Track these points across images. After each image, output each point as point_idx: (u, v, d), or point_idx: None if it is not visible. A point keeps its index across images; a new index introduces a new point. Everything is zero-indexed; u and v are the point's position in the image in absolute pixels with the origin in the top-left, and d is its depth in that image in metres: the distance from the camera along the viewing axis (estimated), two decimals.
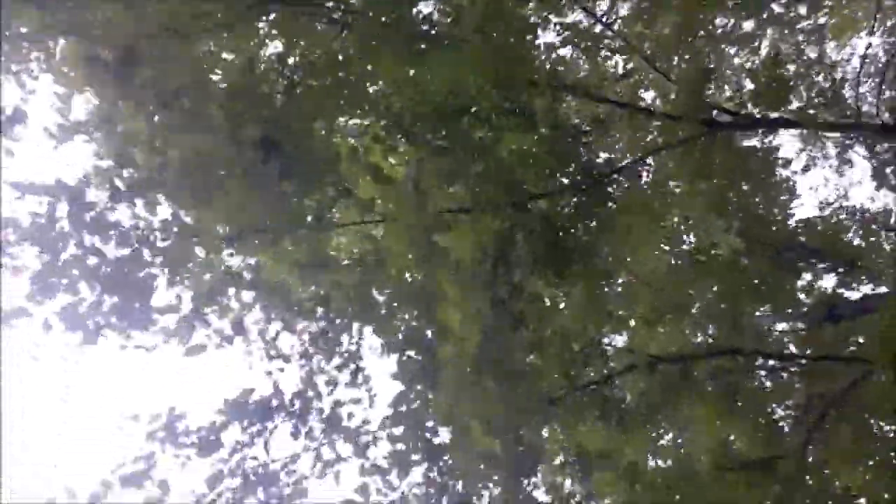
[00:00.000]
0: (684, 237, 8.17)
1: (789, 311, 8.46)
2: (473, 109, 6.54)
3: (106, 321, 4.95)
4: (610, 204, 7.44)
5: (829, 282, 9.13)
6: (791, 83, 8.41)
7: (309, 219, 6.01)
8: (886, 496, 6.63)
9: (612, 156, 7.86)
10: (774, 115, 7.65)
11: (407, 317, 5.95)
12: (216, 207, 5.30)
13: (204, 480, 6.22)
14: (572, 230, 7.28)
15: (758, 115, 7.71)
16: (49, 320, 4.90)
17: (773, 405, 7.86)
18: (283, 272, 6.15)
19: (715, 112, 7.67)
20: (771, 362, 8.10)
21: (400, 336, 6.04)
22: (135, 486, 6.05)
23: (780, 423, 7.73)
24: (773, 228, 8.54)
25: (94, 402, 6.62)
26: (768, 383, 8.06)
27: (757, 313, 8.08)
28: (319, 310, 6.23)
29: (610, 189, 7.54)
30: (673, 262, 8.04)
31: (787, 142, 11.01)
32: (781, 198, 8.81)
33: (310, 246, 6.14)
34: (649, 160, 7.72)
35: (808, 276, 9.18)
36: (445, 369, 5.71)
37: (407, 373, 6.10)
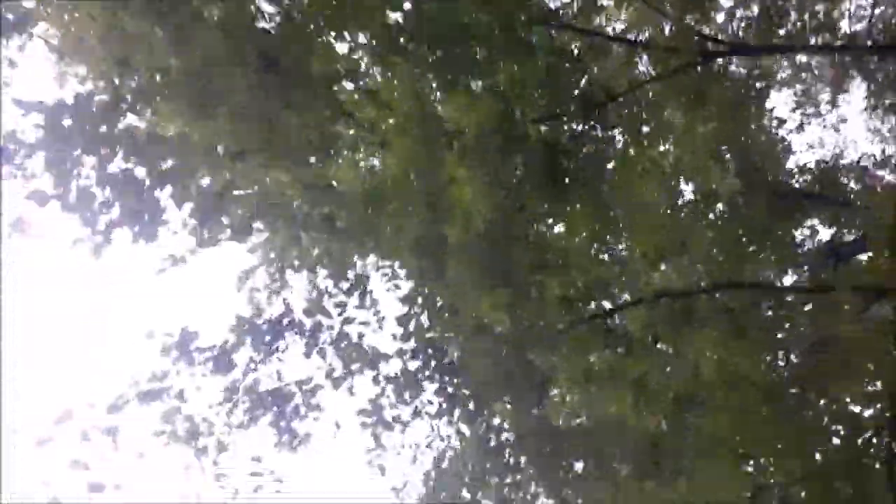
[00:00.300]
0: (682, 180, 8.24)
1: (790, 256, 8.54)
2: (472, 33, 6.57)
3: (117, 221, 5.06)
4: (607, 133, 7.51)
5: (826, 228, 9.27)
6: (783, 7, 8.42)
7: (310, 140, 6.11)
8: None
9: (609, 85, 7.88)
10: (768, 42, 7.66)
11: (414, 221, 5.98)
12: (216, 123, 5.40)
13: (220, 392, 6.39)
14: (571, 157, 7.35)
15: (751, 43, 7.74)
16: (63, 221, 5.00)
17: (777, 333, 7.89)
18: (287, 189, 6.24)
19: (710, 45, 7.71)
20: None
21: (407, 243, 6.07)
22: (152, 401, 6.25)
23: (785, 349, 7.76)
24: (769, 177, 8.63)
25: (109, 320, 6.80)
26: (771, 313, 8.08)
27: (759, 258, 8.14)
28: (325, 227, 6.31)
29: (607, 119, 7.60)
30: (672, 201, 8.12)
31: (782, 103, 11.12)
32: (776, 146, 8.89)
33: (312, 168, 6.23)
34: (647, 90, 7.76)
35: (806, 223, 9.30)
36: (454, 254, 5.76)
37: (415, 275, 6.16)
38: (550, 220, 7.52)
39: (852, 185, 9.78)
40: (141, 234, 5.27)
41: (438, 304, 6.71)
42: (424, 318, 6.68)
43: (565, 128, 7.49)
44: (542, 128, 7.16)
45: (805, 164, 9.66)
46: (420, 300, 6.64)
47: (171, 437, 6.48)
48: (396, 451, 7.31)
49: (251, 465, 6.74)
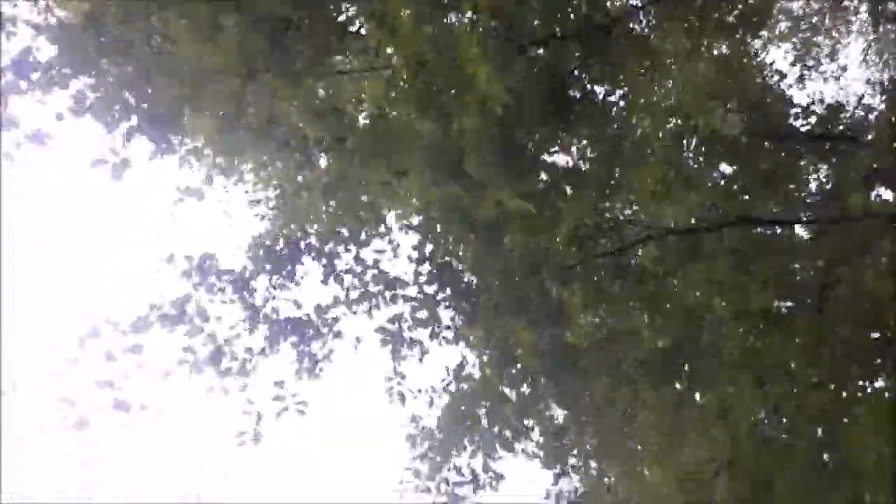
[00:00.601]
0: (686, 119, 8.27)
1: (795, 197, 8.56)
2: None
3: (138, 125, 5.15)
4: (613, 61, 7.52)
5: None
6: None
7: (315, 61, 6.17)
8: None
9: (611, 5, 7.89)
10: None
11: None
12: (225, 37, 5.49)
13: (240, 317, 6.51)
14: (576, 84, 7.38)
15: None
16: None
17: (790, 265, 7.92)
18: (295, 114, 6.33)
19: None
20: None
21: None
22: (174, 325, 6.37)
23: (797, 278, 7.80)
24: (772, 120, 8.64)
25: (129, 244, 6.90)
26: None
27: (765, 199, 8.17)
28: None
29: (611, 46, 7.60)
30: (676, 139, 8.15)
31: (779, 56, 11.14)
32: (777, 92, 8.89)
33: (320, 90, 6.32)
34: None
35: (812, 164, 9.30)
36: (470, 144, 5.78)
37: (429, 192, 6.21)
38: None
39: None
40: (160, 145, 5.37)
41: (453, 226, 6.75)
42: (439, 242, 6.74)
43: (569, 53, 7.52)
44: (541, 51, 7.20)
45: (809, 106, 9.65)
46: (435, 222, 6.70)
47: (193, 365, 6.61)
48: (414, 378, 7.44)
49: (274, 390, 6.87)
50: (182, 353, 6.49)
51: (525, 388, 6.94)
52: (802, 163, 9.18)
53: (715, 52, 8.38)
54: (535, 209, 6.42)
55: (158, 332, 6.26)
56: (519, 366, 6.96)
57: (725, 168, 8.10)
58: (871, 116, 9.73)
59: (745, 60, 8.55)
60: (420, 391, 7.23)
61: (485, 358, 7.20)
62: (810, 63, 11.36)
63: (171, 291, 6.33)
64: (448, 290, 7.08)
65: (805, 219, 8.70)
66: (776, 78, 9.30)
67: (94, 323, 5.92)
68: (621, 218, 8.15)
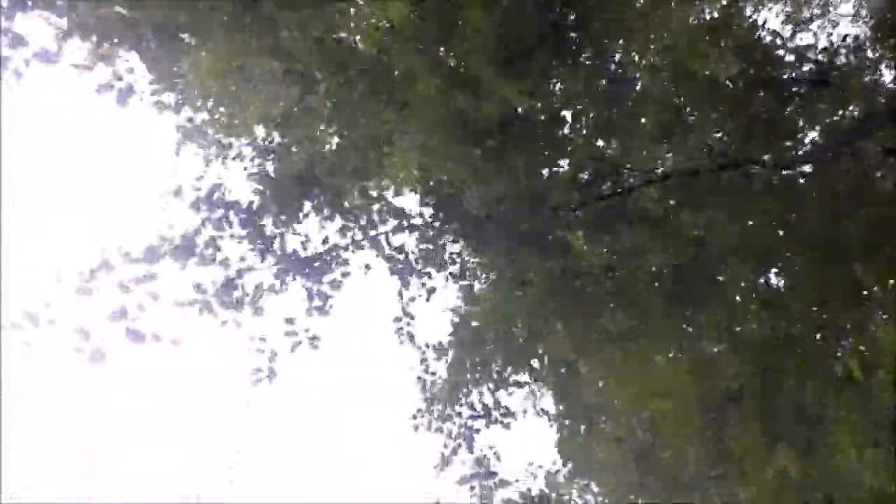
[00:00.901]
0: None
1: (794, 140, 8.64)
2: None
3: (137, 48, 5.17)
4: None
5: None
6: None
7: None
8: None
9: None
10: None
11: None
12: None
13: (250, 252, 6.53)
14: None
15: None
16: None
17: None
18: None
19: None
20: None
21: None
22: (185, 258, 6.37)
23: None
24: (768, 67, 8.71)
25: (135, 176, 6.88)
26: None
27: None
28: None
29: None
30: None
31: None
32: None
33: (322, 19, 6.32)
34: None
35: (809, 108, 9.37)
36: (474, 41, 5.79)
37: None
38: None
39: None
40: (160, 75, 5.38)
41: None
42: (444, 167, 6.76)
43: None
44: None
45: (804, 52, 9.72)
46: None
47: (204, 304, 6.62)
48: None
49: (285, 326, 6.89)
50: (194, 291, 6.51)
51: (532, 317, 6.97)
52: (799, 109, 9.27)
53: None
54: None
55: (170, 266, 6.28)
56: (526, 292, 6.99)
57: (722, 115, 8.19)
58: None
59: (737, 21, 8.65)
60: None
61: (492, 284, 7.23)
62: (804, 17, 11.42)
63: (181, 224, 6.34)
64: (454, 223, 7.12)
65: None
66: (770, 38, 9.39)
67: (105, 254, 5.91)
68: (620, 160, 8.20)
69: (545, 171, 7.48)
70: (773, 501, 5.69)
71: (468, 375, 7.20)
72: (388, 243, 7.11)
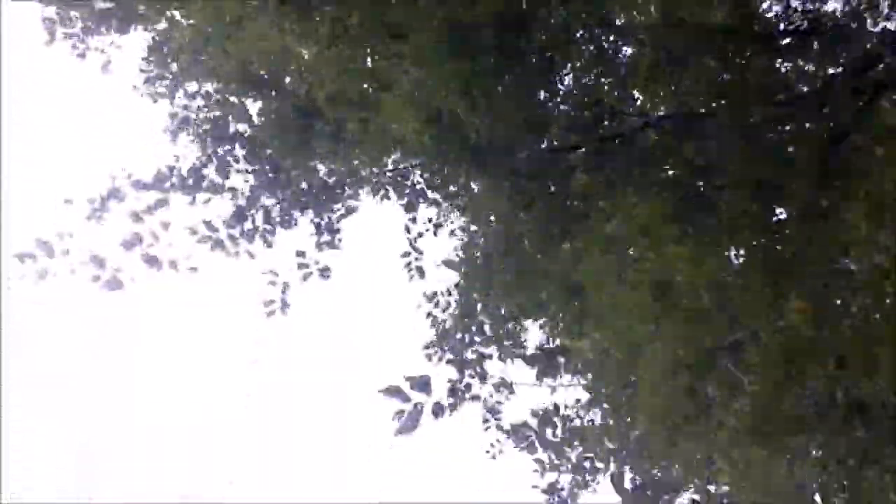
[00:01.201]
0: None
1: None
2: None
3: None
4: None
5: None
6: None
7: None
8: None
9: None
10: None
11: None
12: None
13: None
14: None
15: None
16: None
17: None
18: None
19: None
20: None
21: None
22: (194, 192, 6.47)
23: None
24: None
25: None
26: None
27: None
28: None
29: None
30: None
31: None
32: None
33: None
34: None
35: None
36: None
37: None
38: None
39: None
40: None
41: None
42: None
43: None
44: None
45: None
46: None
47: (214, 242, 6.71)
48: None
49: (296, 260, 6.98)
50: (205, 227, 6.59)
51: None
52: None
53: None
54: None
55: (180, 199, 6.37)
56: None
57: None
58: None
59: None
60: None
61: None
62: None
63: (187, 157, 6.43)
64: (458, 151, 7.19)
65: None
66: None
67: (115, 182, 6.01)
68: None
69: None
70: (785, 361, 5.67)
71: (476, 295, 7.25)
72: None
